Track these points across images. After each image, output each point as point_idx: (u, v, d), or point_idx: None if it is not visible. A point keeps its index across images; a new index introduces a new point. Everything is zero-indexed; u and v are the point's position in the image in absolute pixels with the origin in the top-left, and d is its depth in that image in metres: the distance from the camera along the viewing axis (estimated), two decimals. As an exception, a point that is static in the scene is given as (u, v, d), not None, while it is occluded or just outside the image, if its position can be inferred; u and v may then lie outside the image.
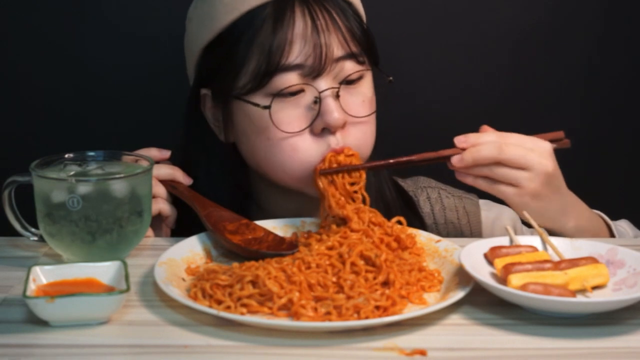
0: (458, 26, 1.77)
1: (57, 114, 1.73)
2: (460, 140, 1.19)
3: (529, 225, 1.21)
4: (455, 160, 1.18)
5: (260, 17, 1.23)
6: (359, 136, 1.25)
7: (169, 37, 1.69)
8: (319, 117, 1.21)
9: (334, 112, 1.21)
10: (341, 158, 1.22)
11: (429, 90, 1.79)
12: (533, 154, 1.18)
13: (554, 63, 1.80)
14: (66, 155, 1.16)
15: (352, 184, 1.22)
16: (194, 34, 1.30)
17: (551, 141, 1.23)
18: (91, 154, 1.17)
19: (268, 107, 1.21)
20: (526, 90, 1.80)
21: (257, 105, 1.22)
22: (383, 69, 1.30)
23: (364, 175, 1.22)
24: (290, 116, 1.22)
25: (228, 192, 1.31)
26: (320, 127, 1.22)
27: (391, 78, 1.29)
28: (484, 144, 1.17)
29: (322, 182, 1.21)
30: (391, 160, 1.23)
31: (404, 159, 1.22)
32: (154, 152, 1.30)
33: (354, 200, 1.21)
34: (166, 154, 1.31)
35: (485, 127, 1.21)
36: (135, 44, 1.71)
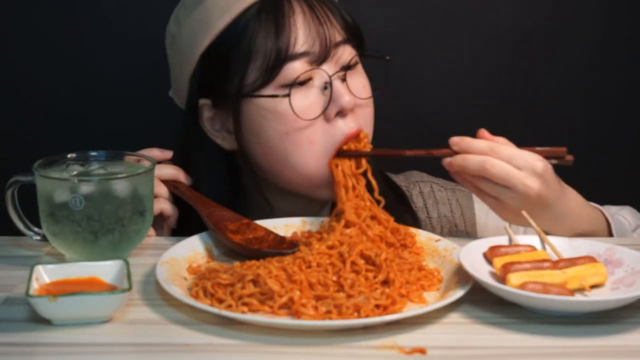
0: (458, 26, 1.77)
1: (59, 114, 1.73)
2: (453, 142, 1.18)
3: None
4: (445, 162, 1.19)
5: (258, 13, 1.24)
6: (365, 118, 1.28)
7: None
8: (332, 102, 1.23)
9: (345, 94, 1.23)
10: (352, 144, 1.24)
11: (429, 90, 1.79)
12: (519, 173, 1.14)
13: (554, 63, 1.80)
14: (69, 155, 1.16)
15: (357, 168, 1.24)
16: (187, 45, 1.29)
17: (552, 157, 1.19)
18: (93, 154, 1.17)
19: (288, 95, 1.22)
20: (526, 90, 1.81)
21: (275, 96, 1.23)
22: (380, 67, 1.31)
23: (363, 162, 1.24)
24: (304, 105, 1.23)
25: (228, 200, 1.30)
26: (334, 112, 1.23)
27: (388, 57, 1.30)
28: (472, 153, 1.16)
29: (333, 166, 1.23)
30: (383, 152, 1.25)
31: (396, 151, 1.25)
32: (156, 152, 1.30)
33: (358, 183, 1.23)
34: (168, 154, 1.32)
35: (482, 132, 1.19)
36: (135, 44, 1.72)
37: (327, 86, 1.24)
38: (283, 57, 1.22)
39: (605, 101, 1.83)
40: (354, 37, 1.28)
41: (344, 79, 1.25)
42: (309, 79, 1.24)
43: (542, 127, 1.80)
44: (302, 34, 1.23)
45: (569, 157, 1.20)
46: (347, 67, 1.26)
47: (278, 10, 1.24)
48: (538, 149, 1.18)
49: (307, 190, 1.28)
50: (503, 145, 1.16)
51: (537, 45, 1.79)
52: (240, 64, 1.24)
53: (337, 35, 1.26)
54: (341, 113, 1.24)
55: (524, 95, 1.81)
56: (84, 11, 1.71)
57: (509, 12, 1.78)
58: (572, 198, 1.24)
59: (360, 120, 1.26)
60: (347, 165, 1.24)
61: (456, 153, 1.18)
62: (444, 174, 1.44)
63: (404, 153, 1.23)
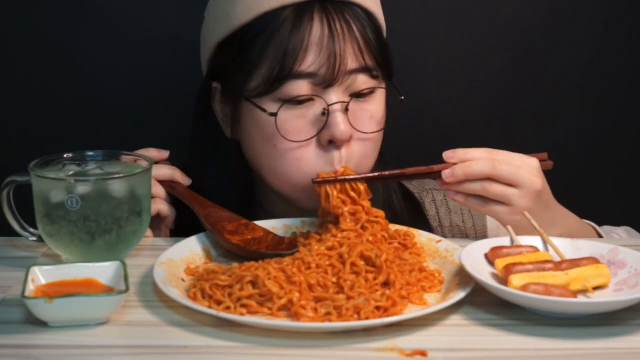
0: (458, 26, 1.77)
1: (57, 113, 1.73)
2: (449, 156, 1.17)
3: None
4: (446, 174, 1.17)
5: (278, 19, 1.20)
6: (362, 153, 1.23)
7: (169, 37, 1.68)
8: (326, 129, 1.20)
9: (340, 125, 1.19)
10: (341, 171, 1.21)
11: (429, 90, 1.79)
12: (523, 171, 1.16)
13: (554, 63, 1.79)
14: (65, 155, 1.15)
15: (342, 192, 1.19)
16: (211, 28, 1.29)
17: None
18: (90, 154, 1.17)
19: (275, 115, 1.20)
20: (526, 90, 1.80)
21: (264, 110, 1.21)
22: (394, 80, 1.29)
23: (361, 188, 1.19)
24: (296, 125, 1.21)
25: (231, 187, 1.30)
26: (326, 139, 1.20)
27: (403, 97, 1.27)
28: (475, 159, 1.16)
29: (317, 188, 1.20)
30: (385, 173, 1.21)
31: (397, 171, 1.21)
32: (153, 153, 1.29)
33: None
34: (165, 154, 1.31)
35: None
36: (135, 44, 1.71)
37: (326, 112, 1.21)
38: (286, 73, 1.19)
39: (605, 101, 1.83)
40: (378, 64, 1.24)
41: (347, 109, 1.21)
42: (310, 100, 1.21)
43: (541, 127, 1.80)
44: (312, 53, 1.19)
45: (550, 162, 1.22)
46: (358, 96, 1.22)
47: (296, 23, 1.20)
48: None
49: (296, 197, 1.26)
50: (498, 150, 1.17)
51: (537, 45, 1.78)
52: (248, 65, 1.22)
53: (353, 61, 1.21)
54: (335, 143, 1.21)
55: (524, 95, 1.81)
56: (84, 11, 1.71)
57: (509, 12, 1.77)
58: (559, 204, 1.25)
59: (354, 155, 1.22)
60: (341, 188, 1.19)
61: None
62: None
63: (405, 172, 1.19)
